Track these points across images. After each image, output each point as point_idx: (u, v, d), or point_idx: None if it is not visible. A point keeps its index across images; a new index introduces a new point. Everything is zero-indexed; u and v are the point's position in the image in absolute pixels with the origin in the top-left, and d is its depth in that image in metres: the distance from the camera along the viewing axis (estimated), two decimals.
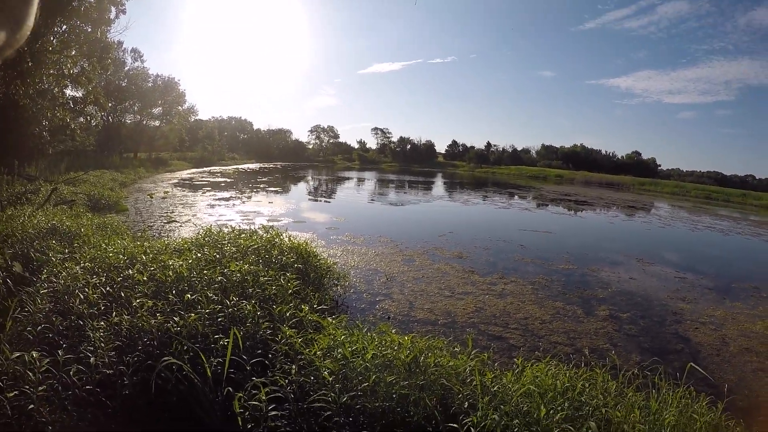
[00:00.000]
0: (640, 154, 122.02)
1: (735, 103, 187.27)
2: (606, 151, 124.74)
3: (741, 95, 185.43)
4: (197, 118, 69.28)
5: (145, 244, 7.96)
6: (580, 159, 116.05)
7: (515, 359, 5.36)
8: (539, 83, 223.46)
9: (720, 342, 8.31)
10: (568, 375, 4.79)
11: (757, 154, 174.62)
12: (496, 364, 5.66)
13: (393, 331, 5.28)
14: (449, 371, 4.57)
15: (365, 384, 4.14)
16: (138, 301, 5.10)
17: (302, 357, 4.55)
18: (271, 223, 15.30)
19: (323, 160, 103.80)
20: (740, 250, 21.03)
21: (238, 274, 6.18)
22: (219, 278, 5.97)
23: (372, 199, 30.04)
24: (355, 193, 34.79)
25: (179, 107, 57.19)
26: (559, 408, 4.21)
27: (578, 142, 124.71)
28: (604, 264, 13.77)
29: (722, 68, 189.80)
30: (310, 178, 49.93)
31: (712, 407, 4.66)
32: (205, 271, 6.11)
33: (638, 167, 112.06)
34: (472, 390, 4.33)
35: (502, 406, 4.11)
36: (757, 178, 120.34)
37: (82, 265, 6.34)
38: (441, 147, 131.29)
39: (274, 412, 3.86)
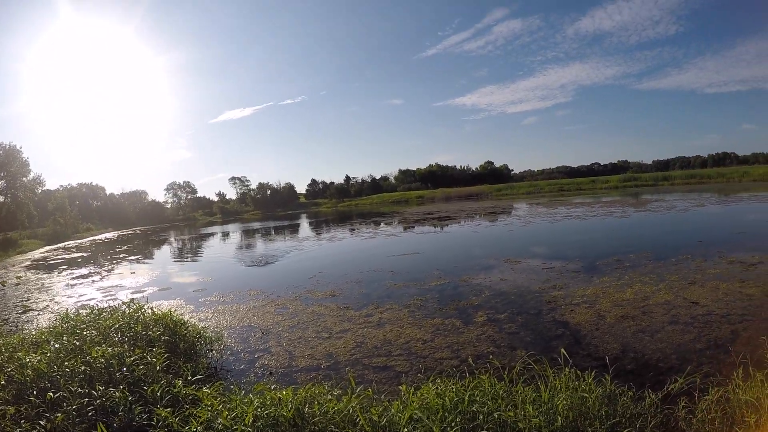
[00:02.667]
0: (493, 162, 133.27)
1: (572, 104, 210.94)
2: (461, 166, 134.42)
3: (576, 95, 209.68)
4: (44, 188, 64.14)
5: None
6: (438, 177, 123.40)
7: (401, 387, 5.31)
8: (390, 111, 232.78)
9: (596, 317, 9.09)
10: (455, 389, 4.83)
11: (598, 143, 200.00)
12: (383, 396, 5.56)
13: (274, 386, 5.18)
14: (335, 416, 4.50)
15: None
16: None
17: None
18: (135, 295, 14.58)
19: (183, 219, 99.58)
20: (597, 231, 23.56)
21: (102, 360, 5.91)
22: (82, 368, 5.71)
23: (238, 253, 28.95)
24: (220, 249, 33.36)
25: (24, 178, 51.60)
26: (453, 424, 4.22)
27: (434, 161, 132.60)
28: (474, 272, 14.49)
29: (557, 74, 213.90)
30: (172, 239, 47.65)
31: (602, 379, 4.96)
32: (65, 363, 5.84)
33: (493, 175, 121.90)
34: (361, 430, 4.20)
35: None
36: (602, 164, 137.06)
37: None
38: (301, 188, 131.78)
39: None
